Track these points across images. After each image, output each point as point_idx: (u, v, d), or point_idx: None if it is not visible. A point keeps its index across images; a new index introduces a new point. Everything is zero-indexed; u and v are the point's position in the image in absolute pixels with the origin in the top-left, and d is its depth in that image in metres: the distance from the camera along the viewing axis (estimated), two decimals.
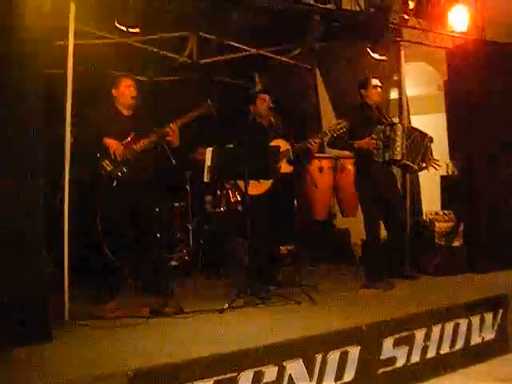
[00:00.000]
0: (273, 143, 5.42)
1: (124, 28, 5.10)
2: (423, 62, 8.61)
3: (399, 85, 6.63)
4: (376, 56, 6.14)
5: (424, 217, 6.51)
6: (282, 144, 5.42)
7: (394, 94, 9.19)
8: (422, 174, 6.77)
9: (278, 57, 7.62)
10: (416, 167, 5.80)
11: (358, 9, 5.58)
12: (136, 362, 3.48)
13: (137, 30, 5.22)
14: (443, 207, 6.62)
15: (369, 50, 6.14)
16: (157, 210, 7.01)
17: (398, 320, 4.41)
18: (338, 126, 5.41)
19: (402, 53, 6.53)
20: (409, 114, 6.80)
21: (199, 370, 3.46)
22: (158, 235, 6.86)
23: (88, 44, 6.28)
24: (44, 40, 4.51)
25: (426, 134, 5.87)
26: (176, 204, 7.03)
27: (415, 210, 6.69)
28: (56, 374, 3.33)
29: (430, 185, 7.02)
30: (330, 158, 7.11)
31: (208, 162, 4.81)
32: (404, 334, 4.35)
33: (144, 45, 6.83)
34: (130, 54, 6.91)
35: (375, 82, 5.78)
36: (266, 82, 8.27)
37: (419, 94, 9.05)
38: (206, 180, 4.87)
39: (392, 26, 5.93)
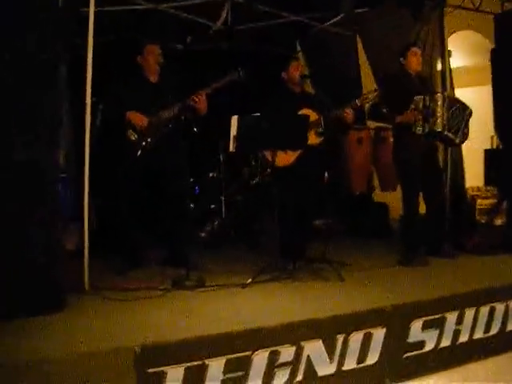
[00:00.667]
0: (302, 112, 5.18)
1: None
2: (473, 30, 8.22)
3: (442, 54, 6.23)
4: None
5: (466, 193, 6.17)
6: (311, 114, 5.16)
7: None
8: (465, 148, 6.41)
9: (318, 23, 7.31)
10: (457, 140, 5.47)
11: None
12: (146, 336, 3.39)
13: None
14: (487, 183, 6.27)
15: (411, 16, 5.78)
16: (191, 180, 6.97)
17: (427, 302, 4.17)
18: (370, 96, 5.13)
19: (445, 20, 6.13)
20: (452, 86, 6.41)
21: (210, 347, 3.33)
22: (192, 205, 6.83)
23: (117, 11, 6.17)
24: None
25: (467, 107, 5.53)
26: (210, 174, 6.92)
27: (457, 185, 6.32)
28: (61, 345, 3.26)
29: (473, 159, 6.66)
30: (369, 129, 6.82)
31: (233, 132, 4.61)
32: (434, 316, 4.11)
33: (176, 11, 6.62)
34: (162, 21, 6.74)
35: (414, 49, 5.46)
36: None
37: (468, 64, 8.66)
38: (231, 150, 4.68)
39: None
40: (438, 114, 5.28)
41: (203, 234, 6.41)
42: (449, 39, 8.39)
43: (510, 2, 6.02)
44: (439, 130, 5.30)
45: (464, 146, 6.31)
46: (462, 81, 9.07)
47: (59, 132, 4.17)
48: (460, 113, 5.39)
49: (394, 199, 6.65)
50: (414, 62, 5.46)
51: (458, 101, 5.54)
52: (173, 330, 3.53)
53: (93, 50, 4.71)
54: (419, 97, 5.30)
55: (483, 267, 5.31)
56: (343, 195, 7.06)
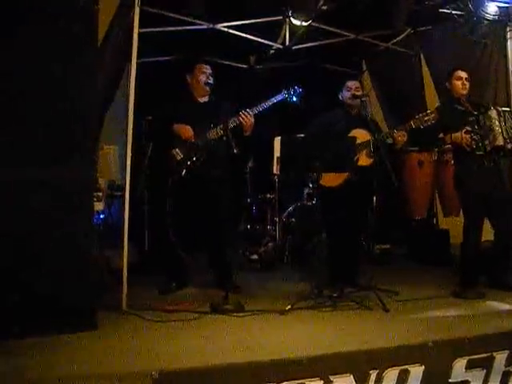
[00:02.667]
0: (353, 133, 5.00)
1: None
2: None
3: (506, 76, 5.87)
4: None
5: None
6: (363, 135, 4.98)
7: None
8: None
9: (381, 43, 7.13)
10: None
11: None
12: (169, 361, 3.32)
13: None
14: None
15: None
16: (248, 200, 6.92)
17: (473, 338, 3.86)
18: (426, 118, 4.87)
19: (509, 33, 5.78)
20: None
21: (230, 378, 3.21)
22: (248, 226, 6.78)
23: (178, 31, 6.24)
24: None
25: None
26: (267, 195, 6.84)
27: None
28: (82, 364, 3.27)
29: None
30: (432, 152, 6.54)
31: (277, 153, 4.51)
32: (481, 355, 3.80)
33: (236, 31, 6.60)
34: (223, 41, 6.75)
35: (458, 73, 5.18)
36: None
37: None
38: (275, 172, 4.58)
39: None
40: (496, 129, 4.99)
41: (255, 257, 6.31)
42: None
43: None
44: (501, 143, 4.99)
45: None
46: None
47: (95, 149, 4.20)
48: None
49: (457, 225, 6.30)
50: (459, 85, 5.19)
51: (509, 111, 5.21)
52: (197, 356, 3.45)
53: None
54: (472, 118, 5.03)
55: None
56: (404, 220, 6.78)
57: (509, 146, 5.02)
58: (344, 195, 4.96)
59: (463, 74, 5.20)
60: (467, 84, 5.21)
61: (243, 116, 4.96)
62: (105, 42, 4.86)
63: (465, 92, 5.22)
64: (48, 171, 3.83)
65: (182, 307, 4.57)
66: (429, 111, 4.96)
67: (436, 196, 6.88)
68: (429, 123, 4.89)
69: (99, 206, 5.43)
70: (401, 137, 4.97)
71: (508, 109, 5.27)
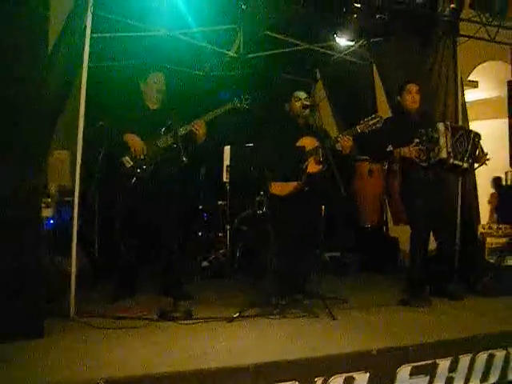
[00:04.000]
0: (301, 141, 5.05)
1: None
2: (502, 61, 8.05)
3: (455, 86, 6.03)
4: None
5: (477, 230, 5.92)
6: (311, 142, 5.03)
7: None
8: (480, 184, 6.19)
9: (334, 52, 7.23)
10: (466, 165, 5.26)
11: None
12: (117, 368, 3.30)
13: None
14: (500, 221, 6.02)
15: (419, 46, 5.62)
16: (200, 207, 6.91)
17: (417, 346, 3.94)
18: (371, 122, 4.97)
19: (458, 49, 5.94)
20: (467, 118, 6.20)
21: None
22: (199, 233, 6.77)
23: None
24: None
25: (471, 131, 5.36)
26: (219, 202, 6.84)
27: (470, 221, 6.07)
28: (28, 372, 3.23)
29: (488, 195, 6.42)
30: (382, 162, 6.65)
31: (226, 161, 4.53)
32: (424, 362, 3.89)
33: (192, 39, 6.60)
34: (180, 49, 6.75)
35: (409, 86, 5.31)
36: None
37: (493, 96, 8.46)
38: (224, 180, 4.60)
39: (443, 19, 5.37)
40: (441, 142, 5.13)
41: (206, 263, 6.31)
42: (476, 69, 8.26)
43: None
44: (444, 156, 5.13)
45: (479, 182, 6.12)
46: (490, 112, 8.88)
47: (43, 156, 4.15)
48: (465, 138, 5.23)
49: (407, 233, 6.44)
50: (409, 99, 5.32)
51: (461, 128, 5.40)
52: (144, 363, 3.43)
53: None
54: (422, 130, 5.16)
55: (488, 310, 5.02)
56: (354, 227, 6.87)
57: (451, 161, 5.15)
58: (294, 203, 5.01)
59: (414, 88, 5.32)
60: (417, 97, 5.33)
61: (195, 125, 4.98)
62: (56, 48, 4.81)
63: (415, 106, 5.34)
64: None
65: (131, 314, 4.56)
66: (374, 115, 5.05)
67: (386, 204, 7.00)
68: (374, 127, 4.98)
69: (48, 212, 5.36)
70: (346, 141, 5.01)
71: (463, 126, 5.43)
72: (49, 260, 4.86)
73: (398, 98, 5.40)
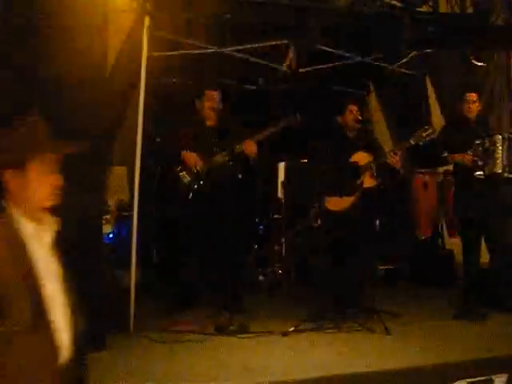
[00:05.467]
0: (355, 156, 5.09)
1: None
2: None
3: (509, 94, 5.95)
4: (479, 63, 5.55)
5: None
6: (364, 157, 5.07)
7: None
8: None
9: (386, 64, 7.22)
10: None
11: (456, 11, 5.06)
12: (176, 381, 3.42)
13: None
14: None
15: (472, 57, 5.57)
16: (256, 220, 6.99)
17: (472, 361, 3.94)
18: (424, 133, 4.96)
19: None
20: None
21: None
22: (255, 246, 6.85)
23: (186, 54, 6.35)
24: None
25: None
26: (274, 216, 6.90)
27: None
28: None
29: None
30: (436, 173, 6.62)
31: (281, 178, 4.61)
32: (480, 378, 3.87)
33: (244, 55, 6.72)
34: (232, 64, 6.87)
35: (469, 96, 5.26)
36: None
37: None
38: (279, 196, 4.68)
39: (494, 28, 5.31)
40: (498, 155, 5.07)
41: (262, 277, 6.39)
42: None
43: None
44: (499, 170, 5.07)
45: None
46: None
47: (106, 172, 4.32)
48: None
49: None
50: (468, 108, 5.27)
51: None
52: (200, 377, 3.54)
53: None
54: (478, 141, 5.12)
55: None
56: (409, 240, 6.83)
57: (506, 175, 5.09)
58: (349, 217, 5.04)
59: (472, 97, 5.28)
60: (474, 106, 5.29)
61: (245, 144, 5.08)
62: (115, 67, 5.00)
63: (471, 115, 5.30)
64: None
65: (188, 328, 4.67)
66: (426, 127, 5.04)
67: (442, 216, 6.94)
68: (427, 139, 4.97)
69: (108, 227, 5.55)
70: (393, 157, 5.02)
71: None
72: (110, 274, 5.01)
73: (459, 105, 5.35)
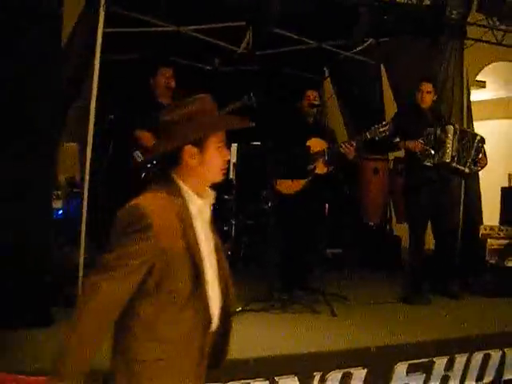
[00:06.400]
0: (309, 142, 5.14)
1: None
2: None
3: (461, 86, 6.08)
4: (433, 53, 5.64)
5: (478, 231, 5.98)
6: (319, 143, 5.12)
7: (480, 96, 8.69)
8: (484, 185, 6.25)
9: (343, 51, 7.29)
10: (467, 170, 5.37)
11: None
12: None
13: None
14: (502, 222, 6.07)
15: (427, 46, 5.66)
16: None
17: (415, 344, 4.07)
18: (381, 129, 5.04)
19: (467, 50, 5.98)
20: (471, 119, 6.27)
21: None
22: None
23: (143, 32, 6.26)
24: None
25: (476, 135, 5.44)
26: (225, 196, 6.90)
27: (472, 222, 6.13)
28: (35, 360, 3.31)
29: (492, 196, 6.47)
30: (387, 160, 6.73)
31: (233, 159, 4.62)
32: (421, 360, 3.99)
33: (201, 35, 6.66)
34: (189, 44, 6.80)
35: (425, 86, 5.37)
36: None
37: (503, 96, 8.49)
38: (231, 177, 4.69)
39: (451, 22, 5.42)
40: (448, 145, 5.24)
41: None
42: (484, 70, 8.29)
43: None
44: (448, 160, 5.24)
45: (483, 183, 6.19)
46: (498, 112, 8.91)
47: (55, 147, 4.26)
48: (471, 144, 5.32)
49: None
50: (424, 98, 5.38)
51: (469, 132, 5.51)
52: None
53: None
54: (430, 129, 5.26)
55: (486, 310, 5.12)
56: (357, 225, 6.94)
57: (454, 165, 5.24)
58: (298, 201, 5.10)
59: (427, 87, 5.38)
60: (428, 97, 5.39)
61: None
62: (70, 43, 4.91)
63: (427, 104, 5.41)
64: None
65: None
66: (384, 122, 5.13)
67: (390, 203, 7.07)
68: (383, 135, 5.06)
69: (58, 203, 5.46)
70: (348, 148, 5.09)
71: (469, 130, 5.51)
72: (57, 249, 4.95)
73: (416, 93, 5.44)
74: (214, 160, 2.06)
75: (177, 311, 1.95)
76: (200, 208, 2.04)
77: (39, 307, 4.02)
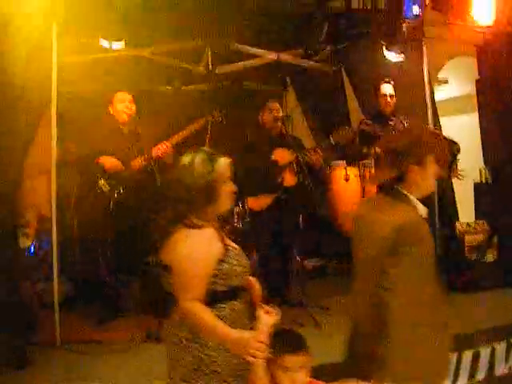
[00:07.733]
0: (275, 153, 5.10)
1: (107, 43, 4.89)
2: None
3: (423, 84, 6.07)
4: (392, 56, 5.63)
5: (455, 229, 5.97)
6: (285, 154, 5.08)
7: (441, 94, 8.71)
8: (457, 181, 6.26)
9: (302, 61, 7.26)
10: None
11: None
12: None
13: (121, 44, 5.01)
14: (477, 217, 6.07)
15: (385, 50, 5.65)
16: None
17: None
18: (344, 133, 5.03)
19: (429, 46, 5.99)
20: (437, 116, 6.27)
21: None
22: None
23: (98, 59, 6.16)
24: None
25: (454, 143, 5.42)
26: None
27: (449, 221, 6.13)
28: None
29: (464, 193, 6.47)
30: (357, 165, 6.69)
31: None
32: None
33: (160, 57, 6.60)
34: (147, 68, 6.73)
35: (384, 89, 5.37)
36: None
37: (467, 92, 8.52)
38: None
39: (406, 22, 5.43)
40: None
41: None
42: (446, 66, 8.31)
43: (486, 32, 5.83)
44: None
45: (455, 181, 6.18)
46: (462, 108, 8.94)
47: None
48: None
49: None
50: (383, 102, 5.42)
51: (442, 136, 5.45)
52: None
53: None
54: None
55: (470, 307, 5.09)
56: (334, 234, 6.88)
57: None
58: (272, 215, 5.05)
59: (387, 91, 5.36)
60: (391, 101, 5.38)
61: (163, 146, 4.99)
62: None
63: (389, 109, 5.40)
64: None
65: (116, 336, 4.57)
66: (347, 128, 5.12)
67: None
68: (348, 139, 5.03)
69: (27, 242, 5.34)
70: (313, 155, 5.06)
71: (442, 135, 5.49)
72: (29, 288, 4.83)
73: (374, 99, 5.43)
74: (431, 176, 2.74)
75: None
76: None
77: (13, 348, 3.91)
